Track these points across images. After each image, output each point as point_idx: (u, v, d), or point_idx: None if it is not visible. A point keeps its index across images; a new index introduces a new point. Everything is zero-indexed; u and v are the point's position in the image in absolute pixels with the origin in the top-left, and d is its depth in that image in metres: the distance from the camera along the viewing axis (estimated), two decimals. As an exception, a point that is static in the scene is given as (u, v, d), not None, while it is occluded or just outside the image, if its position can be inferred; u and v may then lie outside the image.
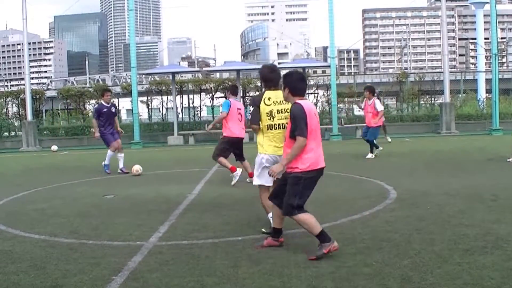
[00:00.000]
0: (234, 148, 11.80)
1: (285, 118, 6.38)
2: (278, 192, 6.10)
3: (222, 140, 11.90)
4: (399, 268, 5.30)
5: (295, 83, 6.03)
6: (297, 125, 5.74)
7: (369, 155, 16.02)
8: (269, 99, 6.62)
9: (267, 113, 6.57)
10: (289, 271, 5.33)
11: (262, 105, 6.60)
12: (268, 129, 6.61)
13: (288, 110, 6.15)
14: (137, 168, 14.03)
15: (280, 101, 6.56)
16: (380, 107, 16.02)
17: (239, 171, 11.58)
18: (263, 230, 6.95)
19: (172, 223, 7.82)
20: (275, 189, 6.29)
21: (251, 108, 6.74)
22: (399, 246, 6.11)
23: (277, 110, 6.56)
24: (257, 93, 29.30)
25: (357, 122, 27.83)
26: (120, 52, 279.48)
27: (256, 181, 6.91)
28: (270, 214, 6.62)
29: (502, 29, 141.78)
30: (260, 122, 6.64)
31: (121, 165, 14.65)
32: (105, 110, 14.59)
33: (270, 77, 6.77)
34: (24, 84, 30.21)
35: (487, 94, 40.99)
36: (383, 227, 7.07)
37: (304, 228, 5.94)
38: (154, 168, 15.66)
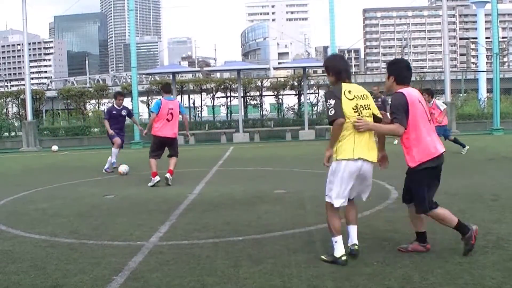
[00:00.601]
0: (166, 147, 12.32)
1: (370, 116, 5.70)
2: (407, 192, 5.91)
3: (152, 140, 12.47)
4: (400, 267, 5.32)
5: (401, 70, 5.77)
6: (397, 114, 5.50)
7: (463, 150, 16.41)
8: (349, 92, 5.60)
9: (353, 108, 5.55)
10: (290, 270, 5.34)
11: (343, 99, 5.54)
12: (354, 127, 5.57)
13: (369, 107, 5.72)
14: (122, 169, 14.26)
15: (362, 95, 5.72)
16: (442, 106, 16.67)
17: (157, 178, 11.81)
18: (322, 257, 5.73)
19: (173, 223, 7.83)
20: (405, 189, 6.00)
21: (332, 102, 5.52)
22: (399, 245, 6.08)
23: (362, 106, 5.64)
24: (258, 93, 29.31)
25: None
26: (120, 52, 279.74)
27: (334, 196, 5.89)
28: (336, 238, 5.63)
29: (503, 29, 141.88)
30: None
31: (107, 165, 15.02)
32: (114, 112, 15.09)
33: (343, 67, 5.83)
34: (24, 84, 30.26)
35: (488, 94, 40.98)
36: (384, 227, 7.10)
37: (442, 224, 5.81)
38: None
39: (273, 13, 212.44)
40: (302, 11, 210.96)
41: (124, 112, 15.20)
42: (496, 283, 4.78)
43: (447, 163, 12.06)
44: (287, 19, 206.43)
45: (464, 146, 16.34)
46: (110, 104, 32.39)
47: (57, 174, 15.53)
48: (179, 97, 30.34)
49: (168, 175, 11.93)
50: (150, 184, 11.83)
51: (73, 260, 5.98)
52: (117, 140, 14.94)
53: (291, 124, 28.62)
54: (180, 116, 12.59)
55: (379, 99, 20.54)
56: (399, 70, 5.75)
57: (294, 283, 4.99)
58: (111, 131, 14.90)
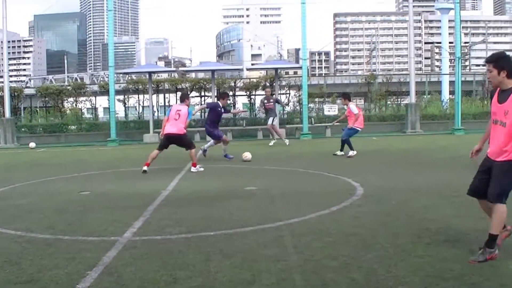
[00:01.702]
0: (173, 143, 13.85)
1: None
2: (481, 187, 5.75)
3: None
4: (365, 261, 5.48)
5: None
6: None
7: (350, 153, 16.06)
8: None
9: None
10: (259, 264, 5.45)
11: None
12: None
13: None
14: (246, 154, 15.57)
15: None
16: (355, 110, 16.52)
17: (146, 168, 13.32)
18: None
19: (147, 218, 7.88)
20: (480, 183, 5.77)
21: None
22: (365, 240, 6.30)
23: None
24: (231, 93, 29.38)
25: (327, 121, 28.16)
26: (99, 51, 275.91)
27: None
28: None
29: (466, 34, 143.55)
30: None
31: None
32: (219, 109, 16.01)
33: None
34: (2, 82, 29.83)
35: (451, 96, 41.65)
36: (350, 222, 7.27)
37: (493, 222, 5.55)
38: (130, 165, 15.70)
39: (247, 16, 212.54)
40: (275, 15, 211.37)
41: (223, 110, 16.24)
42: (456, 275, 4.97)
43: (411, 161, 12.38)
44: (261, 22, 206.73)
45: (353, 150, 16.05)
46: (88, 103, 32.41)
47: (34, 171, 15.40)
48: (154, 96, 30.31)
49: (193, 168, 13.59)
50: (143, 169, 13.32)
51: (48, 255, 6.00)
52: (227, 138, 16.32)
53: (262, 123, 28.75)
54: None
55: (271, 100, 21.48)
56: (510, 64, 5.54)
57: (263, 276, 5.09)
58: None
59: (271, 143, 21.06)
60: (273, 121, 21.42)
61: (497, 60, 5.56)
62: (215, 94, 28.14)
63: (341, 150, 16.36)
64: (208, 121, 16.14)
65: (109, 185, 11.67)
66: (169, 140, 13.76)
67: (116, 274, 5.27)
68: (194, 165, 13.55)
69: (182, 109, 13.80)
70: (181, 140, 13.79)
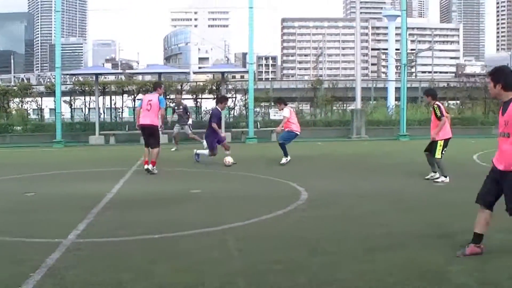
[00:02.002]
0: (144, 134, 13.64)
1: None
2: (487, 195, 5.89)
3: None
4: (309, 265, 5.51)
5: (508, 77, 5.72)
6: None
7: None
8: None
9: None
10: (204, 268, 5.45)
11: None
12: None
13: None
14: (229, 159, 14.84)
15: None
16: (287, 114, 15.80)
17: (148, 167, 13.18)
18: None
19: (91, 221, 7.79)
20: (484, 192, 5.95)
21: None
22: (309, 244, 6.34)
23: None
24: (177, 96, 29.13)
25: (273, 126, 28.31)
26: (46, 52, 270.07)
27: None
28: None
29: (412, 41, 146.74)
30: None
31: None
32: (221, 116, 15.61)
33: None
34: None
35: (396, 102, 42.33)
36: (295, 226, 7.32)
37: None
38: (75, 167, 15.43)
39: (195, 19, 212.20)
40: (223, 19, 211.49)
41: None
42: (399, 279, 5.05)
43: (357, 166, 12.57)
44: (208, 26, 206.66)
45: (286, 156, 15.50)
46: (34, 104, 31.63)
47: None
48: (101, 98, 29.93)
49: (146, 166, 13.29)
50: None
51: (-11, 257, 5.87)
52: (216, 151, 15.28)
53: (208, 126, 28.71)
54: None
55: (181, 107, 21.64)
56: (508, 77, 5.75)
57: (207, 279, 5.09)
58: (223, 134, 15.50)
59: (173, 149, 20.73)
60: (189, 128, 21.55)
61: (494, 73, 5.85)
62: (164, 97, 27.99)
63: (286, 156, 15.57)
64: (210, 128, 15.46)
65: (54, 187, 11.47)
66: (144, 131, 13.60)
67: (59, 276, 5.21)
68: (154, 163, 13.28)
69: (153, 99, 13.53)
70: (152, 133, 13.48)
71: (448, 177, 11.42)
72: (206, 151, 15.57)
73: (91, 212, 8.40)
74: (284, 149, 15.35)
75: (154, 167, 13.24)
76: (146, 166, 13.27)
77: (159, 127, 13.70)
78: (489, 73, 5.97)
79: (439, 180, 11.49)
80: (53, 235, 6.91)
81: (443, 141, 11.61)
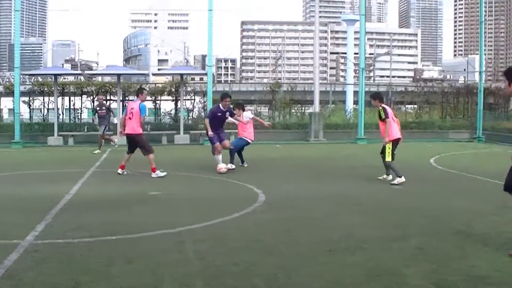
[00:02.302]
0: (128, 142, 13.51)
1: None
2: None
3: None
4: (266, 267, 5.52)
5: None
6: None
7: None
8: None
9: None
10: (161, 270, 5.42)
11: None
12: None
13: None
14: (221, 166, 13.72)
15: None
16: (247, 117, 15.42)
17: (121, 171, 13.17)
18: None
19: (49, 222, 7.69)
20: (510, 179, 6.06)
21: None
22: (267, 246, 6.35)
23: None
24: (100, 97, 28.87)
25: (231, 128, 28.30)
26: (5, 52, 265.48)
27: None
28: None
29: (371, 46, 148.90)
30: None
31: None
32: (219, 114, 14.07)
33: None
34: None
35: (355, 105, 42.82)
36: (252, 229, 7.32)
37: None
38: (33, 168, 15.21)
39: (155, 21, 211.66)
40: (183, 20, 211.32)
41: (227, 115, 14.25)
42: (356, 281, 5.10)
43: (314, 169, 12.62)
44: (168, 27, 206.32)
45: (243, 162, 15.25)
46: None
47: None
48: (60, 98, 29.47)
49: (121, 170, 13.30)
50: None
51: None
52: (218, 146, 13.90)
53: (167, 129, 28.50)
54: None
55: (103, 108, 21.14)
56: None
57: (165, 281, 5.08)
58: (211, 133, 13.95)
59: (96, 151, 19.83)
60: (104, 130, 20.76)
61: (508, 73, 6.03)
62: (120, 98, 27.71)
63: (242, 162, 15.36)
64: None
65: (12, 188, 11.28)
66: (128, 140, 13.45)
67: (17, 278, 5.15)
68: (153, 170, 12.88)
69: (134, 107, 13.18)
70: (136, 141, 13.28)
71: (403, 177, 11.54)
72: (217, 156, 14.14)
73: (49, 214, 8.28)
74: (233, 155, 14.92)
75: (156, 172, 12.87)
76: (120, 170, 13.21)
77: (140, 134, 13.33)
78: (504, 72, 6.13)
79: (394, 181, 11.61)
80: (10, 236, 6.80)
81: (390, 142, 11.77)
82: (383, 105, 12.14)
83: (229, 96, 14.63)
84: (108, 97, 30.90)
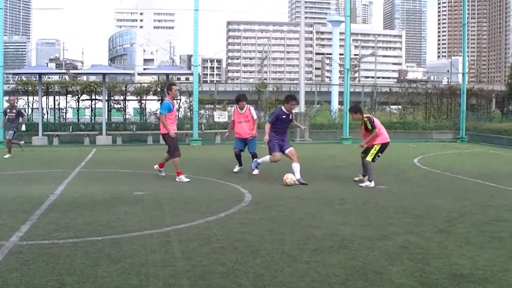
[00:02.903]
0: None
1: None
2: None
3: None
4: (252, 267, 5.55)
5: None
6: None
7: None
8: None
9: None
10: (147, 270, 5.42)
11: None
12: None
13: None
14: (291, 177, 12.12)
15: None
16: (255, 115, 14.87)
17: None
18: None
19: (34, 223, 7.65)
20: None
21: None
22: (252, 246, 6.38)
23: None
24: (122, 97, 28.80)
25: (217, 128, 28.33)
26: None
27: None
28: None
29: (356, 47, 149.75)
30: None
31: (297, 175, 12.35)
32: (283, 117, 12.93)
33: None
34: None
35: (340, 106, 42.96)
36: (238, 228, 7.34)
37: None
38: (17, 168, 15.09)
39: (141, 20, 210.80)
40: (169, 20, 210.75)
41: (290, 116, 13.04)
42: (340, 280, 5.14)
43: (301, 169, 12.61)
44: (154, 27, 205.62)
45: (241, 165, 14.52)
46: None
47: None
48: (44, 98, 29.33)
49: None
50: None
51: None
52: (278, 156, 12.95)
53: (153, 128, 28.48)
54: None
55: (14, 110, 19.71)
56: None
57: (151, 281, 5.07)
58: (266, 137, 13.00)
59: (7, 156, 18.74)
60: (13, 135, 19.49)
61: None
62: (106, 98, 27.63)
63: (240, 165, 14.57)
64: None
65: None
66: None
67: (1, 279, 5.13)
68: (179, 173, 12.50)
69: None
70: (165, 140, 13.20)
71: (373, 182, 11.58)
72: (268, 158, 13.32)
73: (34, 214, 8.26)
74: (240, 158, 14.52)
75: (180, 177, 12.45)
76: (156, 167, 13.28)
77: (168, 133, 12.63)
78: None
79: (363, 184, 11.68)
80: (-5, 237, 6.76)
81: (380, 145, 11.82)
82: (365, 115, 12.12)
83: (295, 99, 13.71)
84: (93, 97, 30.83)
